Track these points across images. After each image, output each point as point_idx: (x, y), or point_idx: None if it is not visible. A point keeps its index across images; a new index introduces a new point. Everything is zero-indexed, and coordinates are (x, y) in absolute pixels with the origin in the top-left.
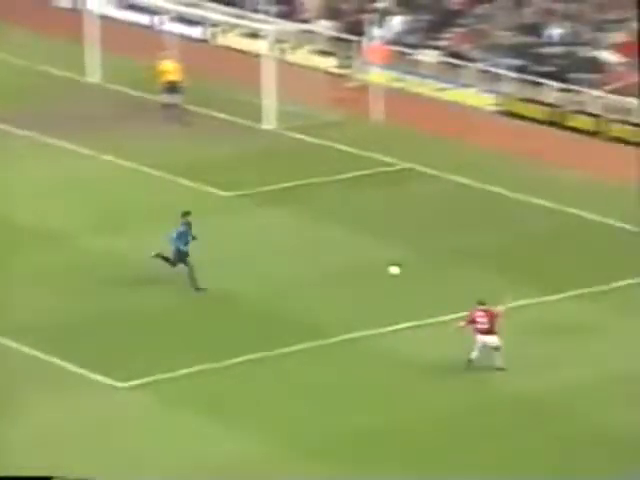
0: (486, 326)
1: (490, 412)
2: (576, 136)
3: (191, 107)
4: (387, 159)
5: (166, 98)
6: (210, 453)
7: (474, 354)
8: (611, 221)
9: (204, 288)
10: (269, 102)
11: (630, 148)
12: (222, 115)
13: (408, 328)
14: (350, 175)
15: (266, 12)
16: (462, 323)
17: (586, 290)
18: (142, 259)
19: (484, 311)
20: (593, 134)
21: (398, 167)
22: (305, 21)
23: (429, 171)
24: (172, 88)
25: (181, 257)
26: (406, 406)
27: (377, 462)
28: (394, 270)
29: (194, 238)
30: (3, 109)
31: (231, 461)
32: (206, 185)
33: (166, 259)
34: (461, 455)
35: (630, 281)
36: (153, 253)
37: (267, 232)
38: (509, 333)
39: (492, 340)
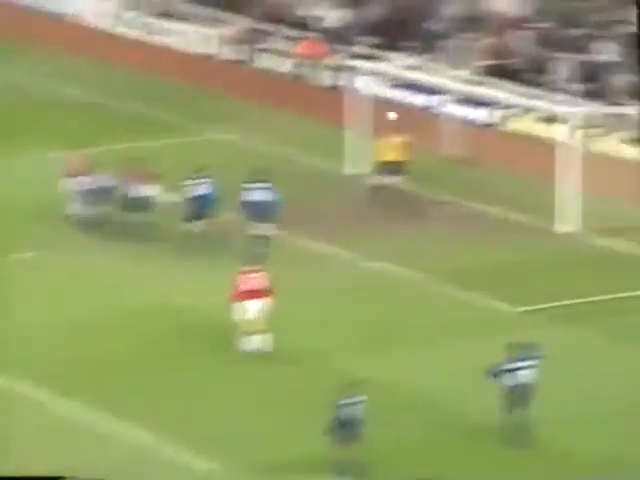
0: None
1: None
2: None
3: (466, 202)
4: None
5: (379, 179)
6: None
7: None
8: None
9: None
10: (565, 198)
11: None
12: (505, 212)
13: None
14: None
15: (568, 92)
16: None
17: None
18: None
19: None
20: None
21: None
22: (616, 103)
23: None
24: (392, 169)
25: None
26: None
27: None
28: (393, 115)
29: None
30: None
31: None
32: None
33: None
34: None
35: None
36: None
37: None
38: None
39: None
